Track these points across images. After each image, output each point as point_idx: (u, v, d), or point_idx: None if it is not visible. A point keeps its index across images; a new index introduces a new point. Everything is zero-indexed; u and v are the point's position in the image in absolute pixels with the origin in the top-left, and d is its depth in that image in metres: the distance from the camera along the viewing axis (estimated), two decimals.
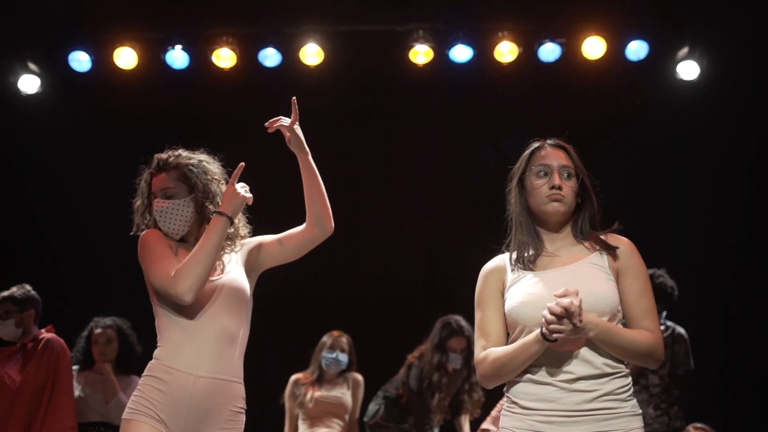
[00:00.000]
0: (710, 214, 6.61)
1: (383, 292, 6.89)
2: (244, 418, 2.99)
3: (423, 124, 6.87)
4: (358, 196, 6.70)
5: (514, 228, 2.64)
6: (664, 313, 5.23)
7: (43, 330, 4.61)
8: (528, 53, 6.44)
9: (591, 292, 2.45)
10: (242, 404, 2.98)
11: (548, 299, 2.42)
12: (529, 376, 2.49)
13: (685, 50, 6.47)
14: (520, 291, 2.54)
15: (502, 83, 6.56)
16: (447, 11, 6.48)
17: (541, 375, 2.48)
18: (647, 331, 2.51)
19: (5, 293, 4.60)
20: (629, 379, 2.51)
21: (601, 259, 2.57)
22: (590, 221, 2.63)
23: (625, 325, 2.55)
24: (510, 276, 2.60)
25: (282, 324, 6.36)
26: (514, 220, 2.65)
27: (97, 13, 6.30)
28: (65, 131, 6.59)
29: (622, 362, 2.50)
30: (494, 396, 4.46)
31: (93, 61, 6.51)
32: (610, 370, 2.46)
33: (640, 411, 2.51)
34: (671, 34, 6.51)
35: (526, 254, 2.59)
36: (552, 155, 2.62)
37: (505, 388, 2.59)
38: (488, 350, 2.55)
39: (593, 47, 6.39)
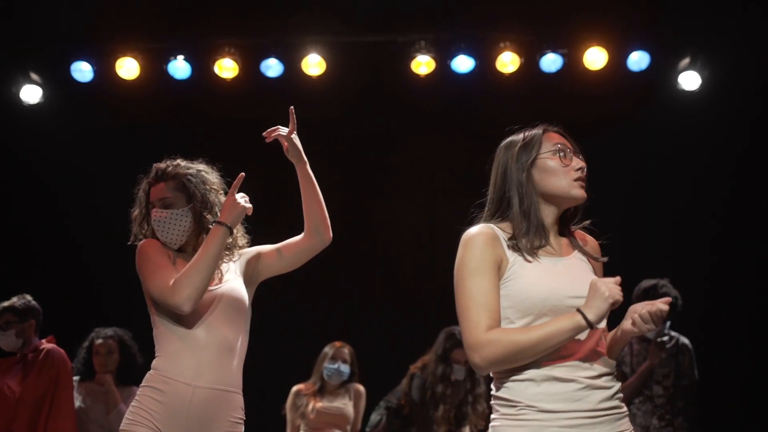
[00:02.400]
0: (713, 223, 6.59)
1: (385, 303, 6.87)
2: (243, 429, 2.98)
3: (425, 134, 6.86)
4: (358, 206, 6.69)
5: (519, 214, 2.37)
6: (668, 323, 5.20)
7: (43, 340, 4.60)
8: (530, 64, 6.43)
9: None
10: (241, 415, 2.97)
11: (569, 288, 2.28)
12: (548, 373, 2.26)
13: (686, 60, 6.46)
14: (536, 275, 2.30)
15: (503, 94, 6.55)
16: (449, 22, 6.48)
17: (565, 371, 2.26)
18: None
19: (6, 303, 4.60)
20: None
21: (583, 257, 2.45)
22: (571, 218, 2.47)
23: None
24: (509, 254, 2.33)
25: (284, 334, 6.34)
26: (519, 205, 2.38)
27: (99, 24, 6.30)
28: (67, 141, 6.59)
29: None
30: None
31: (95, 72, 6.51)
32: (613, 370, 2.36)
33: None
34: (673, 45, 6.50)
35: (534, 243, 2.34)
36: (564, 138, 2.46)
37: (503, 392, 2.32)
38: (497, 330, 2.25)
39: (595, 58, 6.39)
